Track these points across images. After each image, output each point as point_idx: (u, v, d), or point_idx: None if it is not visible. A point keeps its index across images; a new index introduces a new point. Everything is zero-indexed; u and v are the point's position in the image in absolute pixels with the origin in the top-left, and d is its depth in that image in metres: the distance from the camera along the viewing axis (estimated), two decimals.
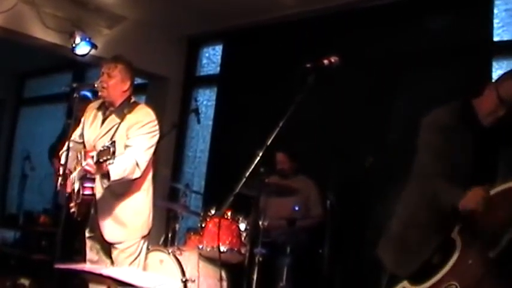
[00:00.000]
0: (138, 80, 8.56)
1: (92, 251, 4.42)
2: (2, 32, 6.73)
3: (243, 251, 4.91)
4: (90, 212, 4.32)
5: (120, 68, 4.40)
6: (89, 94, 6.22)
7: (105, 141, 4.06)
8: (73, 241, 5.90)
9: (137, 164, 4.08)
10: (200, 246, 4.99)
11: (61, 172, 4.65)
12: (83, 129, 4.49)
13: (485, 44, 5.33)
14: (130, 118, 4.27)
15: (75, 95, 4.52)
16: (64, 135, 6.52)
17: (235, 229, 5.01)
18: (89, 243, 4.44)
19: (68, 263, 4.49)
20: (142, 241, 4.34)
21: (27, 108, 11.46)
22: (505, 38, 5.36)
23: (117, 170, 3.98)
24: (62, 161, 4.33)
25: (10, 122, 11.34)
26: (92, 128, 4.41)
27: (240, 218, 5.05)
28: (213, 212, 5.12)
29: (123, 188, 4.24)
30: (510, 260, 2.77)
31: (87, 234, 4.44)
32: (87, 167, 3.97)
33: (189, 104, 7.71)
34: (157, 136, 4.34)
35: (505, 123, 3.28)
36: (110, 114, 4.35)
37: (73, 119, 4.71)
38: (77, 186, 4.24)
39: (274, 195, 5.14)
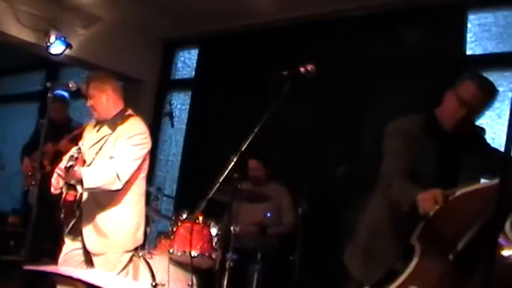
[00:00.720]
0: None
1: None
2: None
3: (214, 256, 4.90)
4: (73, 217, 4.24)
5: (92, 85, 4.32)
6: (65, 94, 6.19)
7: (94, 151, 4.07)
8: (42, 242, 5.85)
9: (117, 176, 3.99)
10: (171, 251, 4.97)
11: (31, 172, 4.65)
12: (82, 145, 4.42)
13: (458, 57, 5.40)
14: (120, 129, 4.21)
15: (49, 94, 4.50)
16: (37, 135, 6.49)
17: (207, 234, 5.00)
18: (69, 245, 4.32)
19: (37, 265, 4.47)
20: (126, 255, 4.23)
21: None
22: (478, 52, 5.43)
23: (91, 178, 3.93)
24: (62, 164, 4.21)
25: None
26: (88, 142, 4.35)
27: (212, 223, 5.05)
28: (184, 216, 5.10)
29: (107, 199, 4.15)
30: (469, 262, 2.78)
31: (66, 239, 4.32)
32: (58, 171, 3.98)
33: (163, 107, 7.70)
34: (146, 149, 4.23)
35: (468, 131, 3.34)
36: (102, 126, 4.30)
37: (46, 118, 4.69)
38: (64, 190, 4.18)
39: (247, 201, 5.16)
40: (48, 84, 4.65)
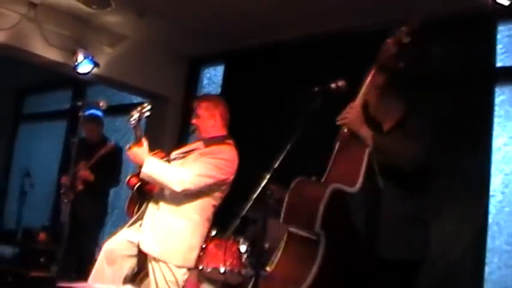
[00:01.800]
0: (138, 99, 8.62)
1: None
2: (5, 49, 6.76)
3: (243, 272, 4.90)
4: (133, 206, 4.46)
5: (204, 106, 4.53)
6: (99, 113, 6.24)
7: (179, 157, 4.40)
8: (72, 259, 5.90)
9: (181, 179, 4.12)
10: (200, 267, 4.97)
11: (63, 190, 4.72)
12: None
13: (488, 69, 5.35)
14: (212, 148, 4.34)
15: (81, 113, 4.56)
16: (68, 154, 6.58)
17: (236, 251, 4.99)
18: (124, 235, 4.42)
19: (69, 281, 4.52)
20: (179, 271, 4.35)
21: (26, 124, 11.45)
22: (508, 64, 5.37)
23: (152, 167, 4.11)
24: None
25: (9, 138, 11.32)
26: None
27: (241, 240, 5.04)
28: (214, 233, 5.10)
29: (173, 206, 4.29)
30: None
31: (124, 228, 4.47)
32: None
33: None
34: (224, 176, 4.29)
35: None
36: (198, 140, 4.50)
37: (76, 137, 4.75)
38: None
39: (274, 216, 5.15)
40: (79, 103, 4.72)
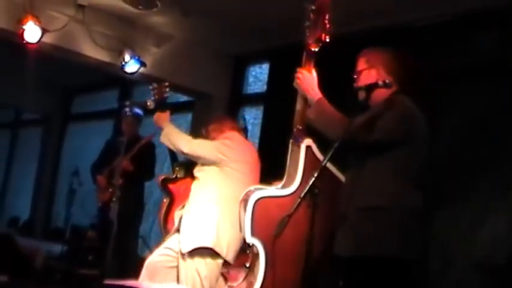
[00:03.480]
0: (184, 98, 8.68)
1: None
2: (54, 49, 6.90)
3: None
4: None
5: None
6: (140, 112, 6.32)
7: None
8: (120, 257, 5.96)
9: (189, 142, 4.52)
10: (247, 265, 4.97)
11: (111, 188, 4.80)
12: None
13: None
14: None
15: (128, 112, 4.62)
16: (105, 152, 6.67)
17: None
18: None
19: (116, 279, 4.56)
20: (209, 262, 4.38)
21: (75, 124, 11.63)
22: None
23: (169, 130, 4.60)
24: None
25: (57, 138, 11.52)
26: None
27: None
28: None
29: (197, 200, 4.45)
30: None
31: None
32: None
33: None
34: (229, 151, 4.53)
35: None
36: None
37: (125, 136, 4.81)
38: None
39: None
40: (127, 103, 4.78)
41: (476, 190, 5.12)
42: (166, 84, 4.79)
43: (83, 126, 11.27)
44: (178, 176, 4.90)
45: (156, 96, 4.77)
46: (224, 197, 4.41)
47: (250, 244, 3.40)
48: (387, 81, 3.26)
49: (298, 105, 3.80)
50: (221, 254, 4.40)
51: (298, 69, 3.78)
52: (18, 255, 7.81)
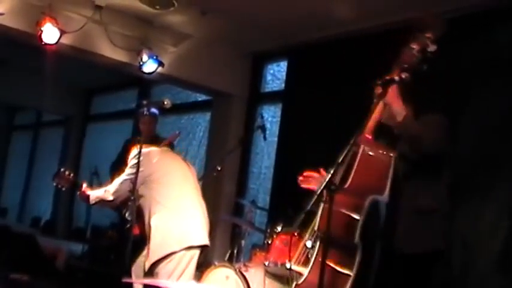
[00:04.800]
0: (202, 97, 8.69)
1: None
2: (72, 50, 6.94)
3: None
4: None
5: None
6: (156, 111, 6.32)
7: None
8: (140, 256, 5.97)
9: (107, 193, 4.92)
10: (266, 263, 4.98)
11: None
12: None
13: None
14: None
15: (145, 112, 4.63)
16: (124, 152, 6.69)
17: (302, 246, 4.98)
18: None
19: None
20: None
21: (94, 124, 11.71)
22: None
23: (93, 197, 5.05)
24: None
25: (77, 138, 11.60)
26: None
27: (307, 235, 5.02)
28: (279, 228, 5.11)
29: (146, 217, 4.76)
30: None
31: None
32: None
33: (254, 120, 7.74)
34: (134, 168, 4.66)
35: None
36: None
37: (142, 136, 4.83)
38: None
39: None
40: (144, 102, 4.78)
41: (497, 187, 5.08)
42: (68, 173, 5.34)
43: (103, 126, 11.33)
44: (130, 218, 5.05)
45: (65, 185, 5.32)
46: (155, 202, 4.67)
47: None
48: (404, 76, 3.24)
49: (377, 114, 3.44)
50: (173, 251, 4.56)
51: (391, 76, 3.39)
52: (40, 255, 7.87)
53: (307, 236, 5.01)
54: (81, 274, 7.72)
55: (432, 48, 3.39)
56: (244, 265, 5.08)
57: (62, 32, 6.39)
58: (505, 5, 5.40)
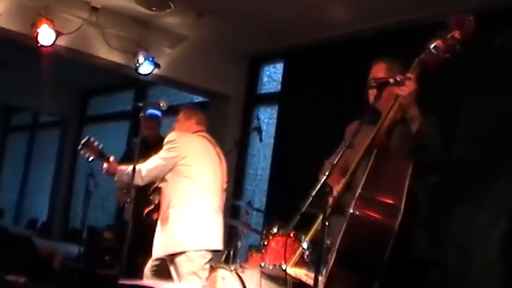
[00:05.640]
0: (199, 98, 8.69)
1: None
2: (69, 52, 6.94)
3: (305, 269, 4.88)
4: None
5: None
6: (158, 112, 6.32)
7: None
8: (136, 257, 5.98)
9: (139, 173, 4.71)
10: (262, 264, 4.98)
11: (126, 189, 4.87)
12: None
13: None
14: None
15: (141, 113, 4.64)
16: (128, 153, 6.67)
17: (298, 248, 4.99)
18: None
19: (131, 279, 4.60)
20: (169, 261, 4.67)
21: (91, 125, 11.70)
22: None
23: (120, 172, 4.83)
24: None
25: (74, 139, 11.59)
26: None
27: (303, 237, 5.03)
28: (275, 230, 5.11)
29: (164, 205, 4.77)
30: None
31: None
32: None
33: (250, 122, 7.76)
34: (171, 152, 4.76)
35: None
36: None
37: (139, 137, 4.84)
38: None
39: (337, 213, 5.12)
40: (140, 104, 4.79)
41: (494, 189, 5.10)
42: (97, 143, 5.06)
43: (99, 127, 11.32)
44: (156, 202, 5.03)
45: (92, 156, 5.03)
46: (182, 195, 4.71)
47: None
48: (398, 78, 3.24)
49: (392, 113, 3.34)
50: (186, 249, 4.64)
51: (409, 76, 3.26)
52: (36, 256, 7.87)
53: (303, 237, 5.03)
54: (78, 275, 7.71)
55: (459, 47, 3.24)
56: (241, 266, 5.08)
57: (58, 34, 6.40)
58: (503, 8, 5.42)
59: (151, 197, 5.01)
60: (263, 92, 8.11)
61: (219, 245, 4.82)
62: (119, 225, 8.32)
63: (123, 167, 4.89)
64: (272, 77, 8.02)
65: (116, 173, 4.87)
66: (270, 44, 7.42)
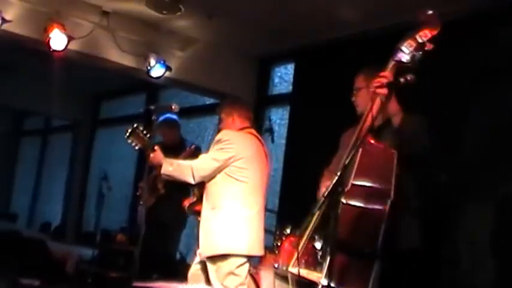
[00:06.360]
0: (210, 100, 8.71)
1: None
2: (80, 56, 6.96)
3: (318, 270, 4.88)
4: None
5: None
6: (174, 116, 6.32)
7: None
8: (150, 259, 6.01)
9: (192, 170, 4.56)
10: (276, 265, 4.98)
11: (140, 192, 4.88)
12: None
13: None
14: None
15: (153, 117, 4.66)
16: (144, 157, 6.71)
17: (311, 248, 4.98)
18: None
19: (145, 281, 4.62)
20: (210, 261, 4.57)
21: (103, 129, 11.75)
22: None
23: (167, 165, 4.62)
24: None
25: (86, 143, 11.64)
26: None
27: (316, 237, 5.03)
28: (288, 230, 5.11)
29: (209, 204, 4.62)
30: None
31: None
32: None
33: (262, 123, 7.75)
34: (226, 153, 4.60)
35: None
36: None
37: (152, 140, 4.86)
38: None
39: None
40: (152, 107, 4.81)
41: (503, 186, 5.09)
42: (145, 132, 4.90)
43: (111, 131, 11.36)
44: (197, 196, 5.01)
45: (139, 144, 4.92)
46: (231, 197, 4.61)
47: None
48: (408, 78, 3.24)
49: (375, 111, 3.37)
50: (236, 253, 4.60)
51: (382, 74, 3.39)
52: (50, 259, 7.92)
53: (316, 237, 5.03)
54: (91, 278, 7.75)
55: (429, 47, 3.31)
56: (255, 268, 5.09)
57: (70, 38, 6.42)
58: (508, 7, 5.41)
59: (193, 191, 4.98)
60: (274, 93, 8.11)
61: (260, 250, 4.80)
62: (132, 228, 8.35)
63: (170, 160, 4.75)
64: (283, 77, 8.02)
65: (161, 164, 4.70)
66: (280, 44, 7.42)
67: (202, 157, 4.67)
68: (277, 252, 5.10)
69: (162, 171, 4.64)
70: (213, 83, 7.75)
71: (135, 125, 4.90)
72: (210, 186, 4.67)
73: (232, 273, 4.55)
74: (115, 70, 7.50)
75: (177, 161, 4.66)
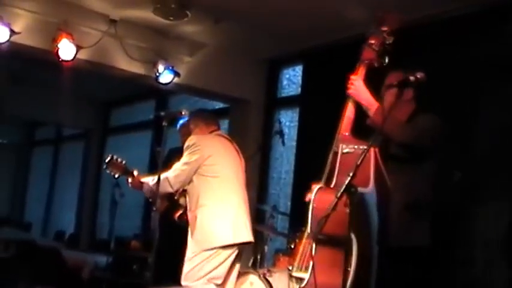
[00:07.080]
0: (220, 105, 8.73)
1: None
2: (89, 65, 7.00)
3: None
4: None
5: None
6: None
7: None
8: (164, 265, 6.02)
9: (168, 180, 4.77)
10: (290, 267, 4.98)
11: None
12: None
13: None
14: None
15: (164, 123, 4.67)
16: (154, 162, 6.73)
17: None
18: None
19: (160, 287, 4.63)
20: (203, 253, 4.70)
21: (114, 136, 11.79)
22: None
23: (147, 185, 4.91)
24: None
25: (98, 150, 11.68)
26: None
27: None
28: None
29: (193, 205, 4.84)
30: None
31: None
32: None
33: (272, 125, 7.77)
34: (194, 155, 4.81)
35: None
36: None
37: (162, 147, 4.87)
38: None
39: None
40: (162, 113, 4.82)
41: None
42: (120, 160, 5.11)
43: (122, 138, 11.41)
44: (183, 206, 5.10)
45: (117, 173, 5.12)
46: (209, 193, 4.78)
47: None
48: (419, 76, 3.26)
49: (349, 112, 3.76)
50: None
51: (351, 77, 3.78)
52: (65, 267, 7.95)
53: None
54: (106, 285, 7.78)
55: (389, 40, 3.59)
56: (268, 270, 5.10)
57: (78, 48, 6.46)
58: None
59: (179, 201, 5.06)
60: (283, 95, 8.12)
61: (249, 236, 4.88)
62: (145, 235, 8.36)
63: (147, 179, 4.98)
64: (292, 79, 8.03)
65: (142, 187, 4.97)
66: (288, 46, 7.42)
67: (174, 165, 4.86)
68: (291, 254, 5.11)
69: (145, 192, 5.01)
70: (222, 87, 7.77)
71: (109, 156, 5.10)
72: (190, 190, 4.87)
73: (221, 264, 4.71)
74: (124, 78, 7.54)
75: (154, 179, 4.80)
